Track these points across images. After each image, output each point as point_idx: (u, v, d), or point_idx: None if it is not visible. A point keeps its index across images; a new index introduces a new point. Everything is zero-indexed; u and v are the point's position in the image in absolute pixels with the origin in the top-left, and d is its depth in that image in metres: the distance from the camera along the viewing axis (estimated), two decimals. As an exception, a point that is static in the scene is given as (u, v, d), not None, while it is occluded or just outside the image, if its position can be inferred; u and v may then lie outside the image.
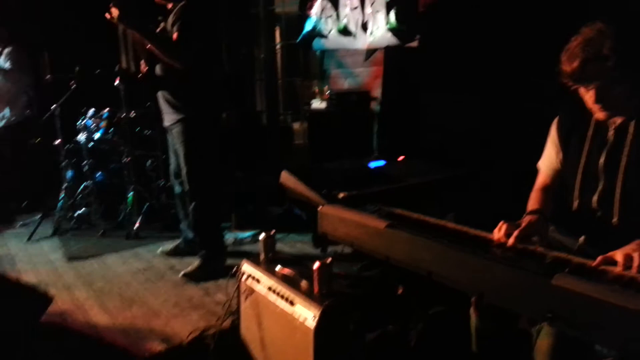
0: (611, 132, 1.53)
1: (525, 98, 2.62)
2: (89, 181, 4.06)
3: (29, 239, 3.84)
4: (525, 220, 1.54)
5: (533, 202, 1.68)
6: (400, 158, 2.78)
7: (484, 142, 2.91)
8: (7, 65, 4.32)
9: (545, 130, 1.75)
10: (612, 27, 1.39)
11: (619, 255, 1.25)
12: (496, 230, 1.52)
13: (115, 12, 2.68)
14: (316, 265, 1.80)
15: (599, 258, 1.27)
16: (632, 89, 1.42)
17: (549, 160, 1.73)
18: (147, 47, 2.78)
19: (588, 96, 1.46)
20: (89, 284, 2.98)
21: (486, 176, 2.51)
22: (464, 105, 3.08)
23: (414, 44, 3.46)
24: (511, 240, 1.46)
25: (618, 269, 1.23)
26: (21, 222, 4.25)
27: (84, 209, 4.13)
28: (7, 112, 4.41)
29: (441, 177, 2.40)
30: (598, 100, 1.44)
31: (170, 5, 2.87)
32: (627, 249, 1.25)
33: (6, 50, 4.35)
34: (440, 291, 1.53)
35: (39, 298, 2.38)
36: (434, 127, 3.31)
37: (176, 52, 2.72)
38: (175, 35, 2.71)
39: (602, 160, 1.53)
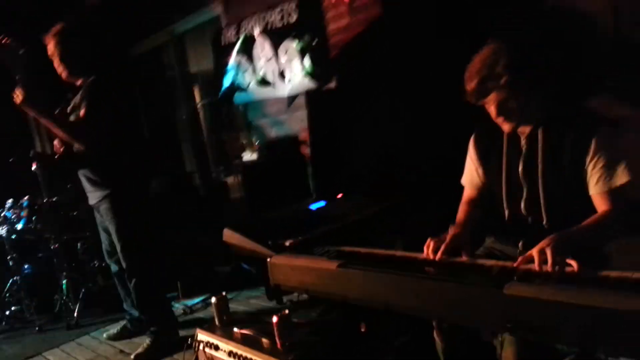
0: (523, 142, 1.63)
1: (441, 119, 2.76)
2: (16, 276, 3.79)
3: (-47, 351, 3.47)
4: (450, 234, 1.60)
5: (460, 216, 1.77)
6: (339, 196, 2.83)
7: (414, 167, 3.02)
8: None
9: (464, 147, 1.85)
10: (507, 45, 1.51)
11: (534, 252, 1.32)
12: (425, 247, 1.57)
13: (19, 94, 2.56)
14: (274, 319, 1.77)
15: (519, 258, 1.35)
16: (527, 100, 1.52)
17: (470, 176, 1.82)
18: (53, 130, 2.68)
19: (490, 111, 1.57)
20: (32, 389, 2.72)
21: (422, 199, 2.59)
22: (387, 137, 3.21)
23: (332, 85, 3.59)
24: (438, 255, 1.52)
25: (535, 265, 1.30)
26: (-59, 335, 3.83)
27: (14, 307, 3.83)
28: None
29: (381, 208, 2.45)
30: (499, 113, 1.55)
31: (79, 82, 2.80)
32: (541, 244, 1.32)
33: None
34: (403, 321, 1.54)
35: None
36: (364, 161, 3.41)
37: (81, 133, 2.64)
38: (81, 113, 2.63)
39: (520, 169, 1.62)
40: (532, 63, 1.51)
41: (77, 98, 2.73)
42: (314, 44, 3.52)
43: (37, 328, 3.59)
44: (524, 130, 1.61)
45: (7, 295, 3.82)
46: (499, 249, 1.72)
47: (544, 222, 1.57)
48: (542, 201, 1.57)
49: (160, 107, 5.78)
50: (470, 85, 1.52)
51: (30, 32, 2.66)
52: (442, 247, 1.52)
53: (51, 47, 2.70)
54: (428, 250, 1.56)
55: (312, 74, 3.59)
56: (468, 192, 1.83)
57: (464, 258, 1.53)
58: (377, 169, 3.24)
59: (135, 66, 5.71)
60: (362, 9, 3.29)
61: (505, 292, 1.21)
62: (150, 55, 5.62)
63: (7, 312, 3.81)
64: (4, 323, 3.77)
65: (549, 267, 1.27)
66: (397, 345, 1.92)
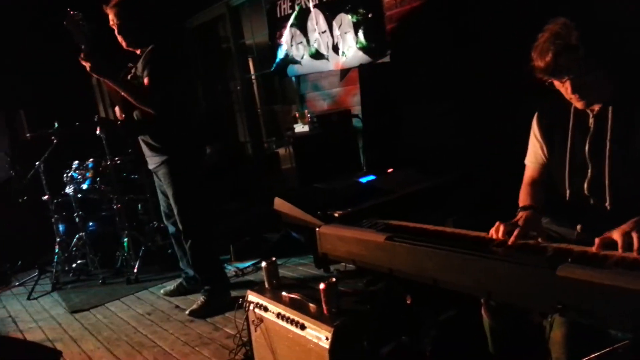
0: (591, 120, 1.57)
1: (501, 98, 2.68)
2: (82, 232, 4.05)
3: (29, 297, 3.81)
4: (521, 217, 1.56)
5: (524, 198, 1.71)
6: (389, 170, 2.83)
7: (467, 146, 2.96)
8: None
9: (524, 128, 1.80)
10: (575, 20, 1.44)
11: (616, 234, 1.27)
12: (493, 230, 1.54)
13: (86, 65, 2.70)
14: (322, 286, 1.82)
15: (597, 240, 1.29)
16: (604, 76, 1.46)
17: (534, 155, 1.77)
18: (121, 94, 2.80)
19: (564, 88, 1.51)
20: (96, 334, 2.96)
21: (475, 178, 2.55)
22: (442, 112, 3.15)
23: (386, 59, 3.54)
24: (512, 239, 1.48)
25: (618, 251, 1.26)
26: (18, 282, 4.20)
27: (80, 260, 4.12)
28: (-11, 174, 4.40)
29: (431, 184, 2.44)
30: (574, 90, 1.48)
31: (139, 51, 2.89)
32: (625, 227, 1.26)
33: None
34: (449, 296, 1.55)
35: (47, 355, 2.35)
36: (416, 136, 3.37)
37: (148, 99, 2.73)
38: (145, 81, 2.73)
39: (586, 148, 1.57)
40: (604, 36, 1.44)
41: (139, 66, 2.83)
42: (369, 17, 3.47)
43: (100, 281, 3.85)
44: (594, 108, 1.55)
45: (74, 249, 4.10)
46: (555, 230, 1.68)
47: (607, 204, 1.52)
48: (607, 182, 1.51)
49: (216, 78, 5.91)
50: (545, 60, 1.46)
51: (93, 3, 2.77)
52: (516, 232, 1.47)
53: (112, 17, 2.80)
54: (498, 234, 1.51)
55: (366, 48, 3.55)
56: (531, 172, 1.78)
57: (538, 241, 1.48)
58: (429, 144, 3.20)
59: (192, 38, 5.84)
60: (423, -20, 3.20)
61: (558, 273, 1.20)
62: (207, 27, 5.72)
63: (74, 265, 4.09)
64: (71, 275, 4.07)
65: (634, 251, 1.22)
66: (442, 320, 1.94)
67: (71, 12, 2.60)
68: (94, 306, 3.42)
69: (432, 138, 3.22)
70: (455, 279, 1.48)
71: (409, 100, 3.42)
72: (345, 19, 3.61)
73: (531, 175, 1.78)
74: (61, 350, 2.44)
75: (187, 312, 3.01)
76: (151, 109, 2.75)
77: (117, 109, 2.93)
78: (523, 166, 1.83)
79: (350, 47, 3.66)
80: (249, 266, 3.67)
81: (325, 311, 1.81)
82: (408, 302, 1.88)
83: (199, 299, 3.05)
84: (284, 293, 2.01)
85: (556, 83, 1.52)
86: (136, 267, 3.80)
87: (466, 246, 1.51)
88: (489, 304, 1.62)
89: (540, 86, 1.56)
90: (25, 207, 4.22)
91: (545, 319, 1.44)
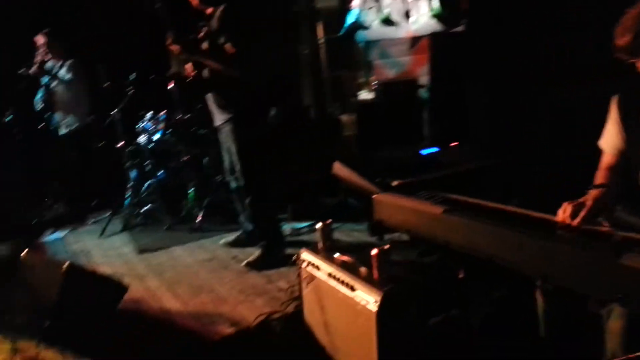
0: None
1: (577, 81, 2.54)
2: (152, 180, 4.27)
3: (101, 234, 4.10)
4: (590, 197, 1.50)
5: (600, 181, 1.64)
6: (453, 144, 2.77)
7: (537, 127, 2.84)
8: (69, 76, 4.60)
9: (601, 111, 1.71)
10: None
11: None
12: (560, 211, 1.50)
13: (175, 49, 2.80)
14: (374, 251, 1.83)
15: None
16: None
17: (611, 139, 1.69)
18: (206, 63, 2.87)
19: None
20: (160, 274, 3.17)
21: (542, 161, 2.46)
22: (514, 90, 3.02)
23: (460, 29, 3.41)
24: (577, 221, 1.43)
25: None
26: (93, 220, 4.55)
27: (149, 205, 4.35)
28: (70, 119, 4.71)
29: (498, 162, 2.37)
30: None
31: (209, 10, 2.95)
32: None
33: (67, 63, 4.63)
34: (503, 274, 1.54)
35: (115, 287, 2.57)
36: (484, 112, 3.27)
37: (236, 67, 2.81)
38: (229, 48, 2.79)
39: None
40: None
41: (213, 25, 2.90)
42: (445, -16, 3.35)
43: (166, 226, 4.07)
44: None
45: (144, 195, 4.36)
46: (626, 219, 1.60)
47: None
48: None
49: (284, 40, 5.92)
50: (625, 39, 1.39)
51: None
52: (583, 213, 1.43)
53: None
54: (564, 214, 1.47)
55: (440, 16, 3.44)
56: (608, 156, 1.70)
57: (605, 228, 1.43)
58: (497, 121, 3.10)
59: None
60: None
61: (622, 262, 1.16)
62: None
63: (143, 210, 4.36)
64: (140, 218, 4.33)
65: None
66: (494, 298, 1.92)
67: None
68: (159, 249, 3.64)
69: (502, 116, 3.11)
70: (512, 258, 1.46)
71: (481, 75, 3.30)
72: (421, -15, 3.50)
73: (608, 160, 1.70)
74: (128, 286, 2.65)
75: (243, 263, 3.15)
76: (240, 75, 2.82)
77: (187, 65, 3.04)
78: (598, 150, 1.74)
79: (422, 15, 3.56)
80: (304, 227, 3.76)
81: (375, 276, 1.84)
82: (460, 276, 1.88)
83: (255, 252, 3.18)
84: (336, 255, 2.06)
85: (638, 64, 1.44)
86: (200, 217, 4.00)
87: (529, 226, 1.48)
88: (544, 287, 1.59)
89: (620, 69, 1.47)
90: (101, 152, 4.51)
91: (603, 308, 1.40)
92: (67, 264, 2.36)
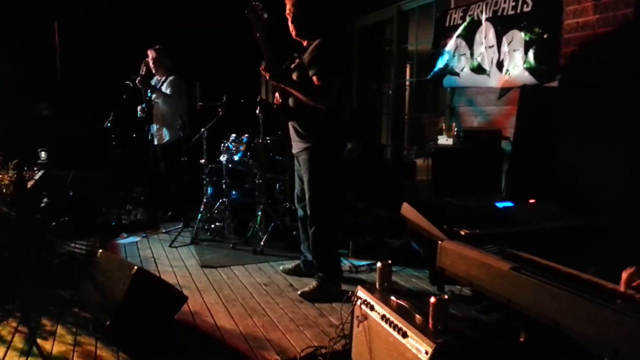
0: None
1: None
2: (225, 198, 4.46)
3: (171, 244, 4.31)
4: None
5: None
6: (531, 201, 2.64)
7: (631, 191, 2.63)
8: (169, 91, 4.97)
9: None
10: None
11: None
12: (625, 274, 1.38)
13: (266, 75, 2.96)
14: (432, 299, 1.78)
15: None
16: None
17: None
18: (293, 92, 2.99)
19: None
20: (218, 291, 3.25)
21: (633, 228, 2.26)
22: (608, 150, 2.83)
23: (554, 83, 3.28)
24: (622, 286, 1.31)
25: None
26: (165, 229, 4.80)
27: (218, 223, 4.55)
28: (165, 133, 5.07)
29: (578, 224, 2.22)
30: None
31: (305, 43, 3.09)
32: None
33: (169, 79, 5.03)
34: (567, 343, 1.41)
35: (175, 297, 2.67)
36: (572, 171, 3.08)
37: (320, 98, 2.90)
38: (316, 80, 2.89)
39: None
40: None
41: (304, 57, 3.03)
42: (543, 37, 3.25)
43: (231, 245, 4.21)
44: None
45: (215, 212, 4.56)
46: None
47: None
48: None
49: (372, 78, 6.04)
50: None
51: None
52: (624, 276, 1.34)
53: (289, 6, 3.03)
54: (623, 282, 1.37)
55: (534, 69, 3.33)
56: None
57: None
58: (583, 183, 2.90)
59: (358, 36, 6.04)
60: (612, 7, 2.90)
61: None
62: (374, 28, 5.87)
63: (213, 226, 4.55)
64: (208, 234, 4.53)
65: None
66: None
67: (253, 2, 2.88)
68: (222, 266, 3.75)
69: (590, 175, 2.92)
70: (580, 328, 1.35)
71: (572, 131, 3.13)
72: (517, 36, 3.42)
73: None
74: (187, 297, 2.74)
75: (299, 292, 3.16)
76: (322, 106, 2.91)
77: (277, 94, 3.18)
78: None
79: (516, 66, 3.47)
80: (364, 265, 3.71)
81: (430, 325, 1.78)
82: (521, 339, 1.75)
83: (312, 282, 3.19)
84: (392, 297, 2.01)
85: None
86: (263, 240, 4.09)
87: (601, 296, 1.36)
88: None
89: None
90: (184, 166, 4.80)
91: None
92: (136, 267, 2.48)
